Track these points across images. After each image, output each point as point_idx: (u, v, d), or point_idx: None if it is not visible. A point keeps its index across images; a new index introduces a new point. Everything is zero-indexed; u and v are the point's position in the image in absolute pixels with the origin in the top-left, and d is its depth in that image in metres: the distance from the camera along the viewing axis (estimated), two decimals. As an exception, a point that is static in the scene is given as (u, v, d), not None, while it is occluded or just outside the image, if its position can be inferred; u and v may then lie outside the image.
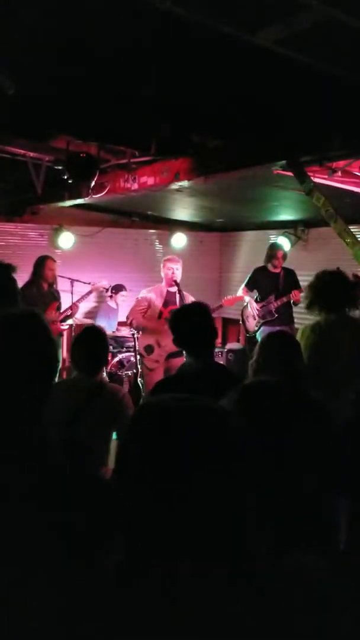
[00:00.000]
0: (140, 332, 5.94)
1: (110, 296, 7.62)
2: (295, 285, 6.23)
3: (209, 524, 0.91)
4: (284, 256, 6.41)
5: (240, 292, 6.60)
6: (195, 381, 2.59)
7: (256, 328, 6.38)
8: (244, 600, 0.89)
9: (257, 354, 2.61)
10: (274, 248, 6.51)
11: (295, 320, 6.29)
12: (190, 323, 2.79)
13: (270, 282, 6.38)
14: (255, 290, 6.55)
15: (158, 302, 5.77)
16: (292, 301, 6.17)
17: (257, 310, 6.38)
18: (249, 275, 6.61)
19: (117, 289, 7.59)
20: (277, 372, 2.40)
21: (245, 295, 6.55)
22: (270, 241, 7.21)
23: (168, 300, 5.79)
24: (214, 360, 2.93)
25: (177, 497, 0.90)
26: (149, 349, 5.79)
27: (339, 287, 3.55)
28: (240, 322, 6.91)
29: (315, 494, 1.76)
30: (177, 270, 5.71)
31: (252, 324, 6.45)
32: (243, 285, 6.61)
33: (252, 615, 0.89)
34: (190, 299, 5.77)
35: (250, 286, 6.55)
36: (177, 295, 5.77)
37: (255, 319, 6.41)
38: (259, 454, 1.49)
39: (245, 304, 6.53)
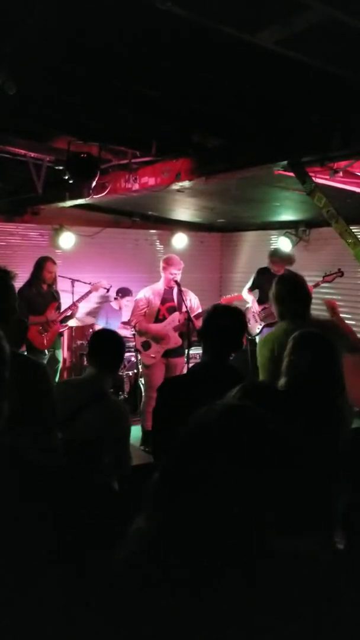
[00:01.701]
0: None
1: (116, 298, 7.59)
2: None
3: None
4: (287, 260, 6.37)
5: (244, 292, 6.61)
6: (209, 381, 2.59)
7: (257, 331, 6.37)
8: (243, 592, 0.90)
9: (293, 356, 2.46)
10: (269, 255, 6.54)
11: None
12: (224, 323, 2.76)
13: (272, 283, 6.35)
14: (257, 291, 6.55)
15: (156, 301, 5.81)
16: None
17: (259, 312, 6.37)
18: (252, 277, 6.62)
19: (124, 293, 7.53)
20: (309, 373, 2.35)
21: (249, 296, 6.55)
22: (272, 242, 7.20)
23: (166, 298, 5.85)
24: (229, 363, 2.91)
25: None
26: (145, 345, 5.82)
27: (297, 295, 3.56)
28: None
29: (320, 486, 1.77)
30: (178, 276, 5.77)
31: (253, 326, 6.44)
32: (246, 288, 6.62)
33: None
34: (190, 295, 5.83)
35: (252, 287, 6.57)
36: (175, 293, 5.82)
37: (257, 321, 6.40)
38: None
39: (248, 305, 6.52)
